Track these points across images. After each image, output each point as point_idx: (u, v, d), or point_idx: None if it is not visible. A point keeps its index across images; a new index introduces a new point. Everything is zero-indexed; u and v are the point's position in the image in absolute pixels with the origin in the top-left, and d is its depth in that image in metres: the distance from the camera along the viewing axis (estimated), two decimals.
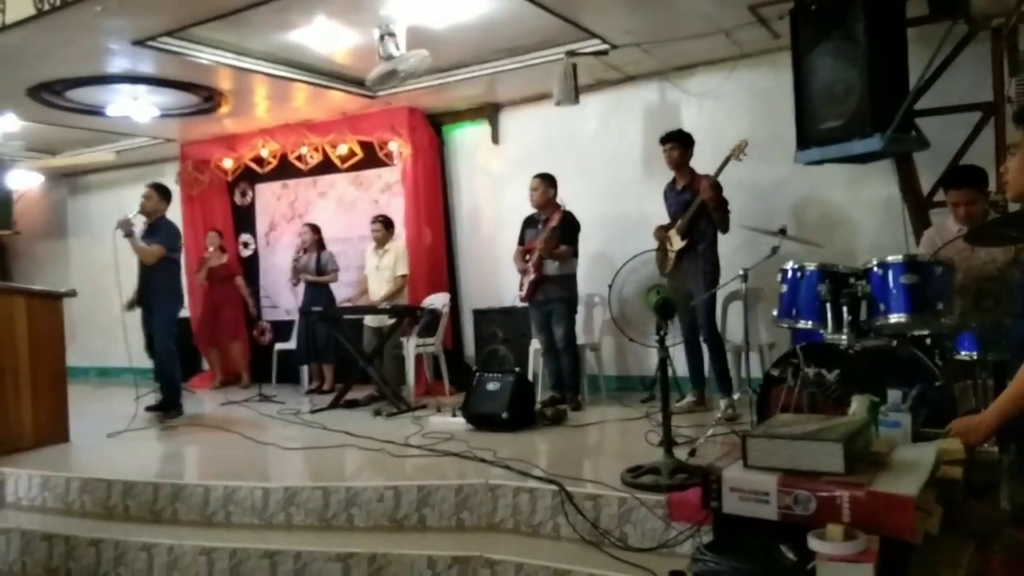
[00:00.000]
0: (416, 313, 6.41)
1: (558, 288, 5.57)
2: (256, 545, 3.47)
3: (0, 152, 6.63)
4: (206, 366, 8.19)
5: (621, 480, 3.41)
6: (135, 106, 6.35)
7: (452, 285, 7.15)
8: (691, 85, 6.14)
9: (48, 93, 6.15)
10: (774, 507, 1.72)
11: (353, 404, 6.13)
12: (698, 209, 4.99)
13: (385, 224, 6.67)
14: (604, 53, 5.66)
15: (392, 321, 6.26)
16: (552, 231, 5.49)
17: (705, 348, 5.16)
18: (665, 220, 5.31)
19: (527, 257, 5.64)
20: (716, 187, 4.94)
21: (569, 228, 5.57)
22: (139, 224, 5.91)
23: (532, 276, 5.58)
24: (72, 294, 5.52)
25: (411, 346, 6.42)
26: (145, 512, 3.97)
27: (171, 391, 6.00)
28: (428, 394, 6.49)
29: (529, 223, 5.78)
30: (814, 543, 1.59)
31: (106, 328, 7.62)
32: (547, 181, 5.66)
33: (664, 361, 3.54)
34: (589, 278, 5.96)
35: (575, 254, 5.63)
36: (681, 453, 3.66)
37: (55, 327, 5.27)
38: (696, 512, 2.04)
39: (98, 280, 7.20)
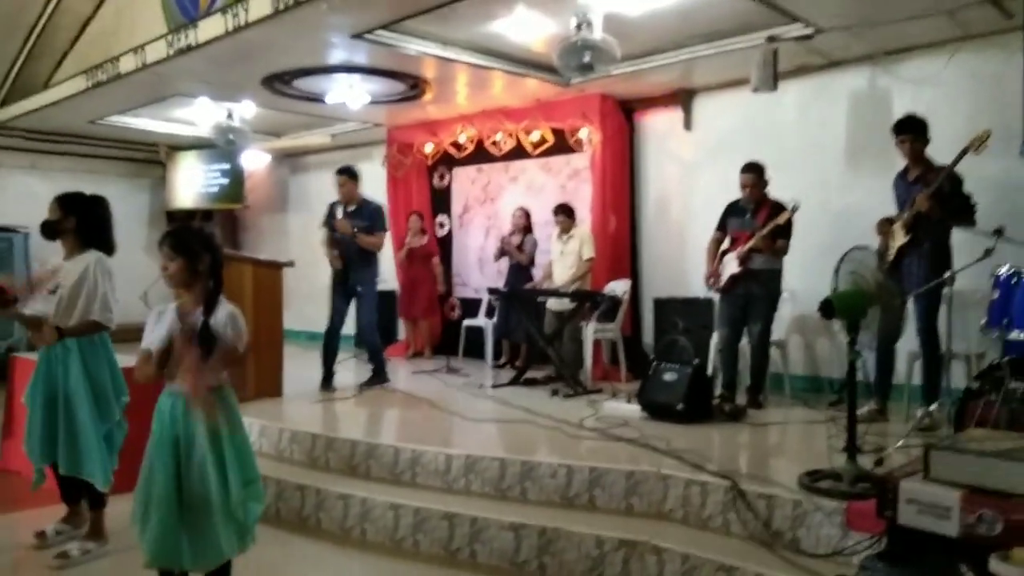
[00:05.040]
0: (596, 299, 6.50)
1: (762, 283, 5.30)
2: (437, 506, 3.74)
3: (234, 134, 7.43)
4: (400, 336, 8.77)
5: (798, 483, 3.32)
6: (350, 94, 6.89)
7: (634, 272, 7.16)
8: (905, 70, 5.70)
9: (278, 82, 6.84)
10: (955, 523, 1.65)
11: (532, 383, 6.34)
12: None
13: (567, 213, 6.79)
14: (809, 38, 5.40)
15: (573, 305, 6.39)
16: (776, 227, 5.20)
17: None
18: (870, 213, 4.95)
19: (730, 247, 5.41)
20: (936, 195, 4.41)
21: (788, 223, 5.27)
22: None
23: (736, 270, 5.33)
24: (291, 264, 6.12)
25: (590, 331, 6.53)
26: (343, 465, 4.38)
27: (378, 362, 6.41)
28: (604, 379, 6.58)
29: (733, 211, 5.51)
30: (997, 566, 1.51)
31: (317, 297, 8.37)
32: (758, 174, 5.36)
33: (853, 364, 3.38)
34: None
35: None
36: (867, 462, 3.49)
37: (275, 293, 5.88)
38: (877, 524, 1.98)
39: (313, 252, 7.90)
